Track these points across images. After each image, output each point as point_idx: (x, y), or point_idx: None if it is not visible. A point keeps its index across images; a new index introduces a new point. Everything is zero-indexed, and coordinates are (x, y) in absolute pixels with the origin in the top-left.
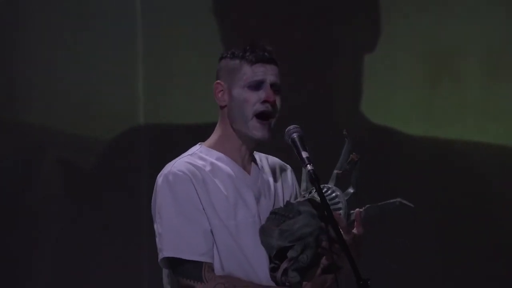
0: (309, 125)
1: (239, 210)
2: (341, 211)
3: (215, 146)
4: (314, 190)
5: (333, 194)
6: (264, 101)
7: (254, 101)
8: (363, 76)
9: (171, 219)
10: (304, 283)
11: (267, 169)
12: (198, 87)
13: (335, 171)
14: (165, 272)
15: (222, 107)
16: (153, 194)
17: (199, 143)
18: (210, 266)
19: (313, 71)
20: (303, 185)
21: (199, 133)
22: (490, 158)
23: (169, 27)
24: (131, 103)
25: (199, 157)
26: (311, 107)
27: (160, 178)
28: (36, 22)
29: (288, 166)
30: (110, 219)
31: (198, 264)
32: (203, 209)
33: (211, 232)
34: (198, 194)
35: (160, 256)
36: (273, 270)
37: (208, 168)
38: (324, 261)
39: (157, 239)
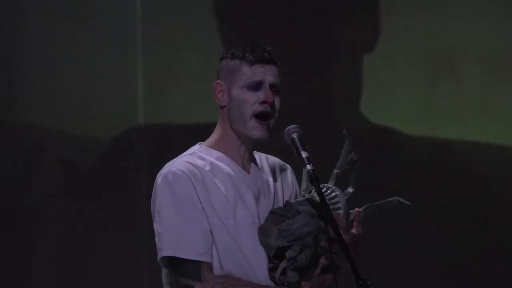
0: (309, 125)
1: (238, 210)
2: (340, 211)
3: (215, 146)
4: (314, 190)
5: (333, 194)
6: (263, 102)
7: (253, 101)
8: (363, 76)
9: (170, 218)
10: (303, 283)
11: (267, 169)
12: (198, 87)
13: (335, 171)
14: (164, 271)
15: (222, 107)
16: (152, 194)
17: (199, 142)
18: (209, 266)
19: (313, 71)
20: (303, 185)
21: (199, 133)
22: (490, 158)
23: (169, 27)
24: (131, 103)
25: (198, 156)
26: (311, 107)
27: (159, 178)
28: (36, 22)
29: (288, 166)
30: (110, 219)
31: (197, 264)
32: (203, 208)
33: (211, 231)
34: (197, 194)
35: (159, 255)
36: (272, 269)
37: (207, 167)
38: (323, 260)
39: (156, 239)
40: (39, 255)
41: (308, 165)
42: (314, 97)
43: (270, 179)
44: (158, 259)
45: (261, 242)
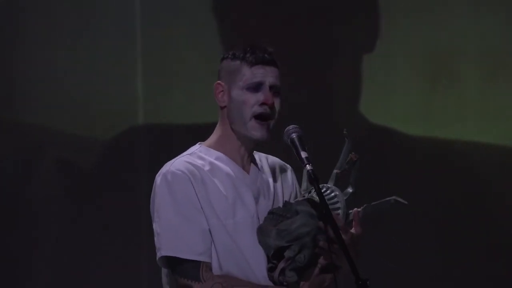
0: (308, 125)
1: (237, 210)
2: (339, 211)
3: (214, 146)
4: (314, 190)
5: (332, 194)
6: (263, 104)
7: (252, 103)
8: (362, 76)
9: (169, 218)
10: (302, 283)
11: (266, 169)
12: (197, 87)
13: (335, 171)
14: (164, 271)
15: (222, 108)
16: (151, 193)
17: (199, 142)
18: (208, 266)
19: (313, 71)
20: (303, 185)
21: (199, 133)
22: (490, 158)
23: (169, 27)
24: (131, 103)
25: (198, 156)
26: (311, 107)
27: (159, 177)
28: (36, 22)
29: (289, 166)
30: (110, 219)
31: (196, 264)
32: (202, 208)
33: (210, 231)
34: (196, 194)
35: (158, 255)
36: (270, 269)
37: (207, 167)
38: (321, 261)
39: (155, 238)
40: (39, 255)
41: (307, 165)
42: (314, 97)
43: (270, 179)
44: (157, 258)
45: (260, 242)
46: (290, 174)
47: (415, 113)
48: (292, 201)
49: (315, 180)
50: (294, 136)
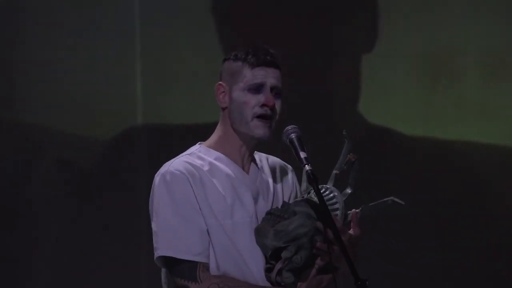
0: (308, 125)
1: (236, 210)
2: (338, 212)
3: (214, 146)
4: (313, 190)
5: (331, 195)
6: (263, 105)
7: (253, 104)
8: (362, 76)
9: (167, 218)
10: (299, 283)
11: (267, 169)
12: (197, 87)
13: (334, 172)
14: (163, 271)
15: (223, 109)
16: (150, 193)
17: (199, 142)
18: (205, 266)
19: (313, 71)
20: (303, 185)
21: (198, 133)
22: (490, 158)
23: (168, 27)
24: (130, 103)
25: (197, 156)
26: (310, 107)
27: (157, 177)
28: (36, 22)
29: (289, 166)
30: (110, 219)
31: (193, 264)
32: (200, 208)
33: (208, 232)
34: (195, 194)
35: (156, 254)
36: (268, 270)
37: (206, 168)
38: (319, 261)
39: (153, 238)
40: (39, 255)
41: (306, 166)
42: (314, 97)
43: (270, 180)
44: (154, 258)
45: (258, 243)
46: (290, 174)
47: (415, 113)
48: (292, 201)
49: (314, 180)
50: (293, 136)
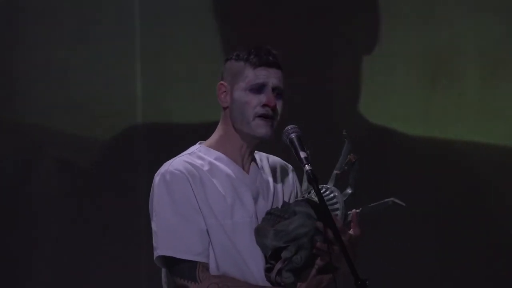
0: (308, 125)
1: (236, 210)
2: (338, 212)
3: (215, 146)
4: (313, 190)
5: (331, 195)
6: (265, 105)
7: (255, 104)
8: (362, 76)
9: (167, 218)
10: (299, 284)
11: (267, 169)
12: (197, 87)
13: (335, 172)
14: (164, 271)
15: (224, 108)
16: (150, 193)
17: (199, 142)
18: (205, 266)
19: (313, 71)
20: (304, 185)
21: (198, 133)
22: (490, 158)
23: (168, 27)
24: (130, 103)
25: (197, 156)
26: (310, 107)
27: (157, 177)
28: (36, 22)
29: (290, 166)
30: (110, 219)
31: (192, 264)
32: (200, 208)
33: (207, 231)
34: (194, 194)
35: (155, 254)
36: (268, 270)
37: (206, 167)
38: (319, 261)
39: (153, 238)
40: (39, 255)
41: (306, 165)
42: (314, 97)
43: (270, 179)
44: (154, 258)
45: (258, 243)
46: (291, 174)
47: (415, 113)
48: (292, 201)
49: (314, 180)
50: (293, 136)
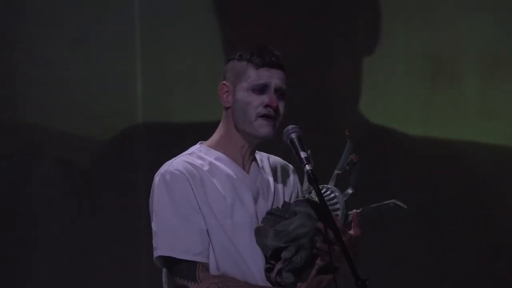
0: (308, 125)
1: (236, 210)
2: (338, 212)
3: (215, 146)
4: (314, 190)
5: (332, 195)
6: (267, 105)
7: (257, 104)
8: (362, 76)
9: (167, 218)
10: (299, 284)
11: (267, 169)
12: (197, 87)
13: (336, 172)
14: (164, 271)
15: (226, 108)
16: (150, 193)
17: (200, 142)
18: (205, 266)
19: (313, 71)
20: (305, 185)
21: (198, 133)
22: (490, 158)
23: (168, 27)
24: (130, 103)
25: (198, 156)
26: (310, 107)
27: (157, 177)
28: (36, 22)
29: (291, 166)
30: (110, 219)
31: (192, 264)
32: (200, 208)
33: (207, 231)
34: (194, 194)
35: (155, 254)
36: (268, 270)
37: (206, 167)
38: (319, 262)
39: (153, 238)
40: (39, 255)
41: (307, 165)
42: (314, 97)
43: (271, 179)
44: (154, 258)
45: (258, 243)
46: (292, 174)
47: (415, 113)
48: (293, 201)
49: (314, 180)
50: (294, 136)
